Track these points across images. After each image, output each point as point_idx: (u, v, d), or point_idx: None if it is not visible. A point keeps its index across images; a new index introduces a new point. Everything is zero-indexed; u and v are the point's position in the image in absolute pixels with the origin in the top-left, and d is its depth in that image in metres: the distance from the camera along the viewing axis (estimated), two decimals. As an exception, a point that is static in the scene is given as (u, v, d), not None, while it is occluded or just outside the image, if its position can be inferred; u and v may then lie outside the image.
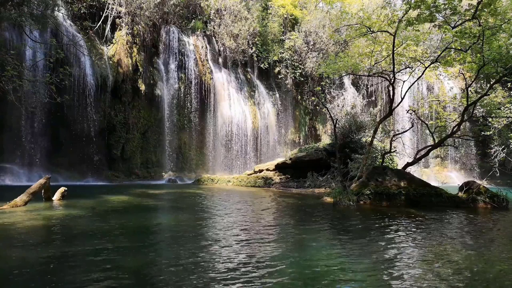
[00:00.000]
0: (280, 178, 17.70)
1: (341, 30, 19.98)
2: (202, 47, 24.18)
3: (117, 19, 20.66)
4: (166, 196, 12.61)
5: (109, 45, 20.57)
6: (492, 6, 10.08)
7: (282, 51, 27.01)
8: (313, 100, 27.39)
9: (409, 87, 14.18)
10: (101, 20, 20.06)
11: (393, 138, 14.77)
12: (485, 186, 11.55)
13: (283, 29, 27.83)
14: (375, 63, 14.60)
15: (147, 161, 21.81)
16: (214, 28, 24.78)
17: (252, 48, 25.77)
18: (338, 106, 21.71)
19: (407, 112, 16.58)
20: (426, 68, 13.07)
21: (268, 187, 16.76)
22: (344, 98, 23.31)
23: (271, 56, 26.69)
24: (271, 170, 18.67)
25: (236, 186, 17.68)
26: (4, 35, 16.01)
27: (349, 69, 15.63)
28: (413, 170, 18.33)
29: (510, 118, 16.64)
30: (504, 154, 20.32)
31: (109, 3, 20.05)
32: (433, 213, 8.80)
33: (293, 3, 28.60)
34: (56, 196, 9.69)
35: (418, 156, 13.17)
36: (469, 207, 10.09)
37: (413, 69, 14.30)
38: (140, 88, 21.15)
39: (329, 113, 14.40)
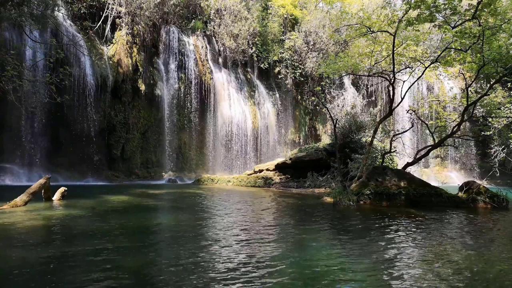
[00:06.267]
0: (280, 178, 17.70)
1: (341, 30, 19.98)
2: (202, 47, 24.18)
3: (117, 19, 20.66)
4: (166, 196, 12.61)
5: (109, 45, 20.57)
6: (492, 6, 10.07)
7: (282, 51, 27.00)
8: (313, 100, 27.39)
9: (409, 87, 14.17)
10: (101, 20, 20.06)
11: (393, 138, 14.77)
12: (485, 186, 11.55)
13: (283, 29, 27.83)
14: (375, 63, 14.59)
15: (147, 161, 21.81)
16: (214, 28, 24.77)
17: (252, 48, 25.77)
18: (338, 106, 21.70)
19: (407, 112, 16.58)
20: (426, 68, 13.07)
21: (268, 187, 16.75)
22: (344, 98, 23.31)
23: (271, 56, 26.69)
24: (271, 170, 18.67)
25: (236, 186, 17.68)
26: (4, 35, 16.01)
27: (349, 69, 15.62)
28: (413, 170, 18.33)
29: (510, 118, 16.63)
30: (504, 154, 20.32)
31: (109, 3, 20.05)
32: (433, 213, 8.80)
33: (293, 3, 28.59)
34: (56, 196, 9.69)
35: (418, 156, 13.17)
36: (469, 207, 10.09)
37: (413, 69, 14.29)
38: (140, 88, 21.15)
39: (329, 113, 14.40)
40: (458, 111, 20.73)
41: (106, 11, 20.09)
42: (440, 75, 16.89)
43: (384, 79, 18.54)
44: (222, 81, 24.60)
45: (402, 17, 11.45)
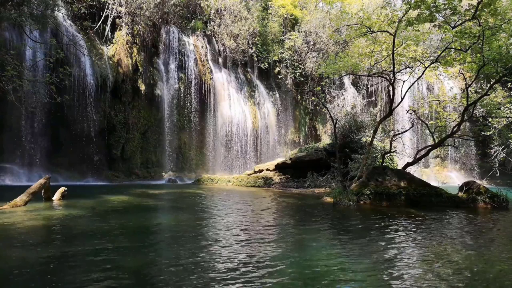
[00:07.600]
0: (280, 178, 17.70)
1: (341, 30, 19.98)
2: (202, 47, 24.18)
3: (117, 19, 20.66)
4: (166, 196, 12.61)
5: (109, 45, 20.57)
6: (492, 6, 10.08)
7: (282, 51, 27.00)
8: (313, 100, 27.39)
9: (409, 87, 14.17)
10: (101, 20, 20.06)
11: (393, 138, 14.77)
12: (485, 186, 11.55)
13: (283, 29, 27.83)
14: (375, 63, 14.59)
15: (147, 161, 21.81)
16: (214, 28, 24.78)
17: (252, 48, 25.77)
18: (338, 106, 21.70)
19: (407, 112, 16.58)
20: (426, 68, 13.07)
21: (268, 187, 16.75)
22: (344, 98, 23.30)
23: (271, 56, 26.69)
24: (271, 170, 18.67)
25: (236, 186, 17.68)
26: (4, 35, 16.01)
27: (349, 69, 15.62)
28: (413, 170, 18.33)
29: (510, 118, 16.63)
30: (504, 154, 20.32)
31: (109, 3, 20.04)
32: (433, 213, 8.80)
33: (293, 3, 28.60)
34: (56, 196, 9.69)
35: (418, 156, 13.17)
36: (469, 207, 10.09)
37: (413, 69, 14.29)
38: (140, 88, 21.15)
39: (329, 113, 14.40)
40: (458, 111, 20.73)
41: (106, 11, 20.09)
42: (440, 75, 16.89)
43: (384, 79, 18.54)
44: (222, 81, 24.60)
45: (402, 17, 11.45)
